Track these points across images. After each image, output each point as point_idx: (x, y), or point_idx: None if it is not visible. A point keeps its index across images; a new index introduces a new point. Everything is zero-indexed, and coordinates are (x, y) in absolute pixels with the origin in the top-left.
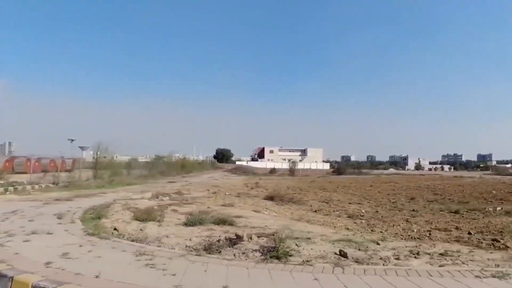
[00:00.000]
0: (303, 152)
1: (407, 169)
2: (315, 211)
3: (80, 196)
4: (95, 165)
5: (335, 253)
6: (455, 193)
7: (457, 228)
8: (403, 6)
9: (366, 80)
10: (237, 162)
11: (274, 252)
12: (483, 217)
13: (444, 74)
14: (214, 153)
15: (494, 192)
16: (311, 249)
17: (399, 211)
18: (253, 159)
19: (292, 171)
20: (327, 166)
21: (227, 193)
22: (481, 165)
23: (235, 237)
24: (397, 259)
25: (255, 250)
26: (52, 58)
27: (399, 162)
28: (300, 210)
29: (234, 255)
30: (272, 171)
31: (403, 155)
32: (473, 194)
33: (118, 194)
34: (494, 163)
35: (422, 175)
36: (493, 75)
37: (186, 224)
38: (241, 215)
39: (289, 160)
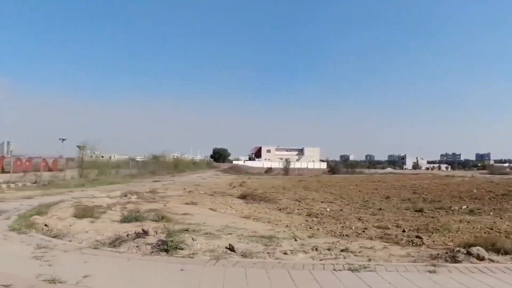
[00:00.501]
0: (300, 152)
1: (405, 168)
2: (280, 209)
3: (49, 194)
4: (81, 164)
5: (226, 247)
6: (435, 192)
7: (397, 226)
8: (403, 6)
9: (366, 79)
10: (234, 162)
11: (164, 245)
12: (441, 216)
13: (443, 74)
14: (211, 152)
15: (475, 191)
16: (207, 243)
17: (365, 209)
18: (250, 159)
19: (286, 170)
20: (324, 166)
21: (202, 192)
22: (479, 164)
23: (142, 232)
24: (285, 253)
25: (150, 244)
26: (52, 58)
27: (397, 162)
28: (266, 208)
29: (128, 248)
30: (268, 170)
31: (401, 155)
32: (452, 193)
33: (86, 192)
34: (492, 162)
35: (416, 174)
36: (492, 75)
37: (121, 221)
38: (188, 213)
39: (286, 160)
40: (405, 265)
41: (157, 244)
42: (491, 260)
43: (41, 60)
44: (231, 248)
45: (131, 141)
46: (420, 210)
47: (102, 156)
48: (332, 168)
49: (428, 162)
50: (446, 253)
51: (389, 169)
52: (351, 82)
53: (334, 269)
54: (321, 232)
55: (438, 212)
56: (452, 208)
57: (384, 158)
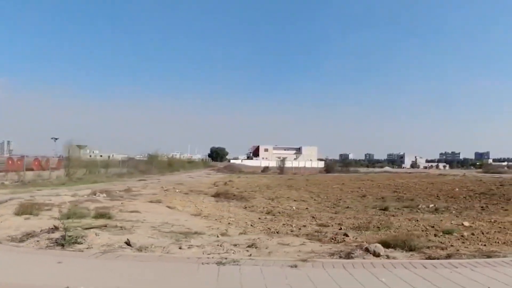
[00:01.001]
0: (298, 151)
1: (403, 167)
2: (245, 207)
3: (15, 192)
4: (67, 163)
5: (124, 242)
6: (415, 191)
7: (340, 224)
8: (403, 6)
9: (365, 79)
10: (232, 161)
11: (62, 240)
12: (402, 214)
13: (443, 73)
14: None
15: (456, 189)
16: (109, 238)
17: (332, 208)
18: (248, 158)
19: (281, 169)
20: (322, 164)
21: (177, 191)
22: (477, 163)
23: (53, 227)
24: (180, 248)
25: (51, 239)
26: (52, 57)
27: (396, 161)
28: (232, 206)
29: (29, 243)
30: (265, 169)
31: (400, 154)
32: (432, 191)
33: (56, 191)
34: (490, 161)
35: (410, 173)
36: (492, 74)
37: (60, 218)
38: (138, 211)
39: (283, 159)
40: (276, 260)
41: (58, 239)
42: (387, 257)
43: (41, 60)
44: (128, 243)
45: (132, 140)
46: (385, 209)
47: (90, 156)
48: (326, 167)
49: (427, 161)
50: (351, 249)
51: (387, 168)
52: (350, 81)
53: (202, 263)
54: (257, 229)
55: (403, 210)
56: (420, 206)
57: (383, 157)
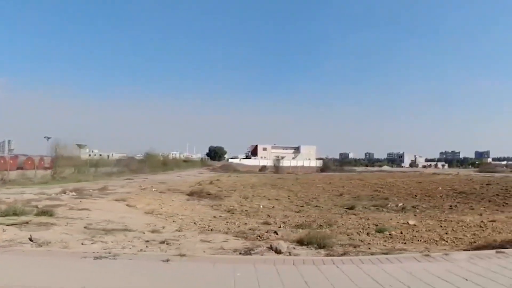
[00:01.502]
0: (297, 150)
1: (403, 166)
2: (212, 206)
3: None
4: (55, 162)
5: (28, 238)
6: (397, 190)
7: (284, 222)
8: (403, 6)
9: (365, 78)
10: (230, 160)
11: None
12: (364, 213)
13: (443, 72)
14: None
15: (440, 188)
16: (15, 234)
17: (301, 207)
18: (247, 157)
19: (276, 168)
20: (320, 164)
21: (154, 189)
22: (476, 162)
23: None
24: (82, 244)
25: None
26: (53, 57)
27: (396, 160)
28: (200, 205)
29: None
30: (262, 168)
31: (400, 153)
32: (413, 191)
33: (22, 190)
34: (490, 160)
35: (404, 172)
36: (492, 73)
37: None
38: (87, 208)
39: (282, 158)
40: (152, 254)
41: None
42: (290, 254)
43: (41, 60)
44: (30, 239)
45: (132, 140)
46: (351, 208)
47: (90, 155)
48: (323, 167)
49: (426, 160)
50: (256, 246)
51: (385, 167)
52: (350, 81)
53: (83, 257)
54: (198, 226)
55: (369, 209)
56: (388, 205)
57: (383, 156)
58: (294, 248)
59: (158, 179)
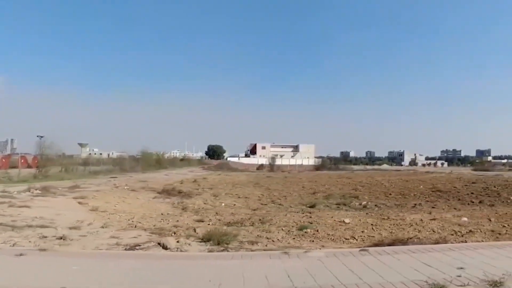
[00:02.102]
0: (296, 148)
1: (402, 165)
2: (173, 203)
3: None
4: (40, 161)
5: None
6: (376, 188)
7: (220, 220)
8: (405, 5)
9: (366, 76)
10: (229, 159)
11: None
12: (319, 211)
13: (444, 70)
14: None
15: (421, 187)
16: None
17: (263, 205)
18: (246, 156)
19: (271, 167)
20: (318, 162)
21: (125, 187)
22: (477, 161)
23: None
24: None
25: None
26: (55, 56)
27: (396, 158)
28: (162, 203)
29: None
30: (260, 167)
31: (400, 151)
32: (392, 189)
33: None
34: (490, 158)
35: (398, 170)
36: (493, 71)
37: None
38: (28, 206)
39: (281, 156)
40: (9, 249)
41: None
42: (178, 249)
43: (43, 59)
44: None
45: (134, 139)
46: (312, 206)
47: (90, 153)
48: (318, 165)
49: (427, 159)
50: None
51: (384, 166)
52: (351, 79)
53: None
54: (127, 223)
55: (330, 207)
56: (351, 204)
57: (385, 154)
58: (189, 244)
59: (142, 177)
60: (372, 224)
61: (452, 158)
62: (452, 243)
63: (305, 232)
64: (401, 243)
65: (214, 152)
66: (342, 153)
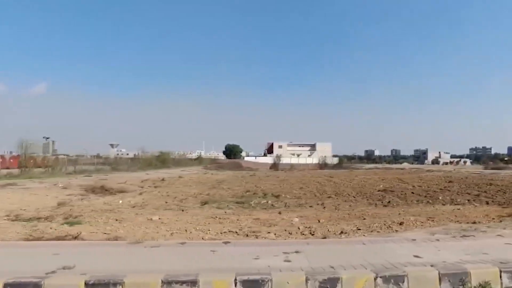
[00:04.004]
0: (313, 147)
1: (425, 163)
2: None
3: None
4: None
5: None
6: (339, 188)
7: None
8: None
9: (392, 72)
10: (246, 158)
11: None
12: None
13: (472, 63)
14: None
15: (381, 186)
16: None
17: (180, 202)
18: (264, 155)
19: (275, 166)
20: (336, 161)
21: (60, 185)
22: (505, 158)
23: None
24: None
25: None
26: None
27: (420, 156)
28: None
29: None
30: (272, 166)
31: (423, 149)
32: (331, 189)
33: None
34: None
35: (402, 169)
36: None
37: None
38: None
39: (279, 155)
40: None
41: None
42: None
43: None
44: None
45: (159, 139)
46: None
47: (118, 154)
48: (321, 164)
49: (454, 157)
50: None
51: (405, 164)
52: (377, 75)
53: None
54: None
55: (228, 205)
56: (252, 202)
57: (411, 152)
58: None
59: (117, 176)
60: (189, 222)
61: (482, 155)
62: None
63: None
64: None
65: (231, 152)
66: (366, 151)
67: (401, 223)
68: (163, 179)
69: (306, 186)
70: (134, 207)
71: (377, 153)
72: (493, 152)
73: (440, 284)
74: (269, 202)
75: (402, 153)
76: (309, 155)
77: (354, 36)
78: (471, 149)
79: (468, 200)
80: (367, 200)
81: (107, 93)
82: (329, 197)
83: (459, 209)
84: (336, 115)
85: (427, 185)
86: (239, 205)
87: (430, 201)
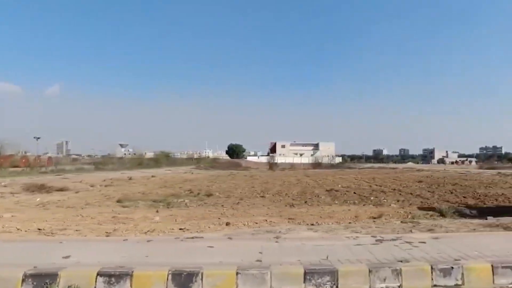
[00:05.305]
0: (316, 147)
1: (432, 163)
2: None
3: None
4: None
5: None
6: (309, 187)
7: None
8: None
9: (399, 71)
10: (248, 158)
11: None
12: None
13: (484, 61)
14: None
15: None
16: None
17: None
18: (268, 154)
19: (270, 165)
20: (339, 160)
21: (2, 184)
22: None
23: None
24: None
25: None
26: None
27: (427, 156)
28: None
29: None
30: (271, 165)
31: (430, 148)
32: (296, 188)
33: None
34: None
35: (394, 168)
36: None
37: None
38: None
39: (273, 155)
40: None
41: None
42: None
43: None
44: None
45: (166, 139)
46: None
47: (125, 154)
48: (316, 163)
49: (460, 156)
50: None
51: (410, 164)
52: (385, 74)
53: None
54: None
55: (155, 203)
56: (177, 202)
57: (419, 152)
58: None
59: (79, 176)
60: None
61: (491, 155)
62: None
63: None
64: None
65: (233, 151)
66: (374, 150)
67: (227, 224)
68: (130, 178)
69: (260, 186)
70: (44, 206)
71: (385, 152)
72: (503, 151)
73: None
74: (185, 201)
75: (410, 153)
76: (311, 155)
77: (358, 35)
78: (481, 149)
79: (398, 201)
80: (293, 200)
81: (124, 94)
82: (262, 196)
83: (349, 209)
84: (343, 115)
85: (394, 185)
86: (153, 204)
87: (357, 201)
